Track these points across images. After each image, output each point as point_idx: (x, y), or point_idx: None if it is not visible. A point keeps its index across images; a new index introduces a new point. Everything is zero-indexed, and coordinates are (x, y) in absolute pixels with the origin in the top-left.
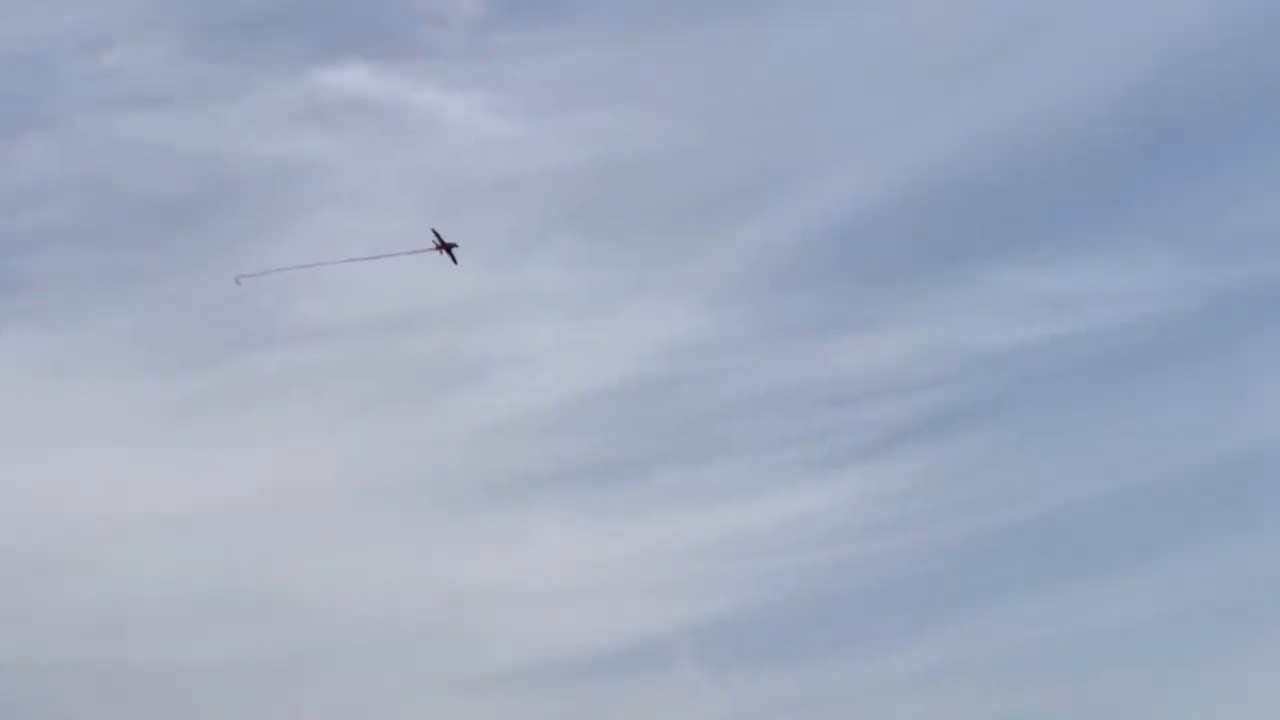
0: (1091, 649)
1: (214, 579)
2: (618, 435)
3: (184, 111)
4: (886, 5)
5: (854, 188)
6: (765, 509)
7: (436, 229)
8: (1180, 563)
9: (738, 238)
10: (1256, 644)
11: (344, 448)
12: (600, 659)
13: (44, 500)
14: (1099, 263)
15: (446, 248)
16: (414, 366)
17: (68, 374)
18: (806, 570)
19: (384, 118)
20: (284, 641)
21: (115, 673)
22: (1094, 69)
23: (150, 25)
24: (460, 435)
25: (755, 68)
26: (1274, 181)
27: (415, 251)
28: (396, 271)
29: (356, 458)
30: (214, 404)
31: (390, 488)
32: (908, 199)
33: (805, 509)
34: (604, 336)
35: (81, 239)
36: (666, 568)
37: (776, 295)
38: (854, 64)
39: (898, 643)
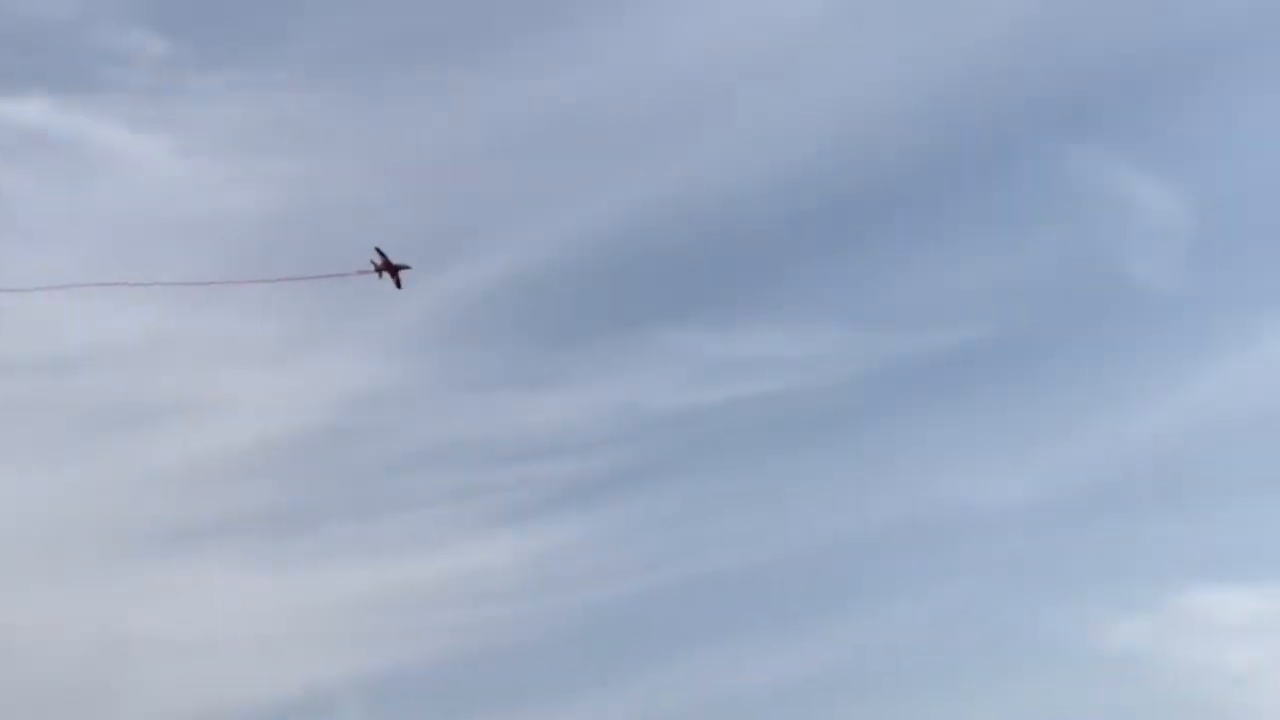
0: (761, 704)
1: None
2: (292, 484)
3: None
4: (576, 71)
5: (536, 247)
6: (439, 562)
7: (380, 248)
8: (852, 620)
9: (419, 291)
10: (927, 698)
11: (9, 490)
12: (264, 712)
13: None
14: (770, 328)
15: (392, 270)
16: (87, 408)
17: None
18: (480, 625)
19: (64, 153)
20: None
21: None
22: (768, 143)
23: None
24: (132, 480)
25: (445, 123)
26: (934, 256)
27: (353, 273)
28: (73, 309)
29: (22, 500)
30: None
31: (56, 532)
32: (589, 261)
33: (479, 563)
34: (282, 384)
35: None
36: (337, 620)
37: (456, 350)
38: (540, 125)
39: (571, 698)
